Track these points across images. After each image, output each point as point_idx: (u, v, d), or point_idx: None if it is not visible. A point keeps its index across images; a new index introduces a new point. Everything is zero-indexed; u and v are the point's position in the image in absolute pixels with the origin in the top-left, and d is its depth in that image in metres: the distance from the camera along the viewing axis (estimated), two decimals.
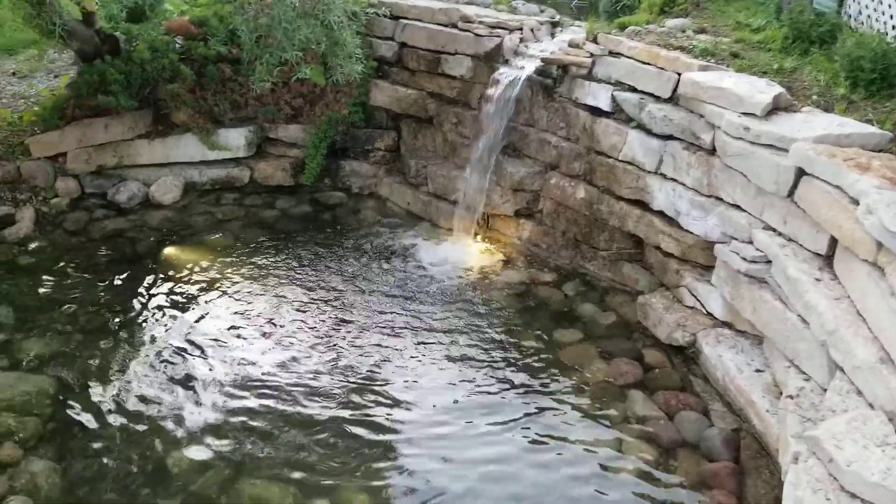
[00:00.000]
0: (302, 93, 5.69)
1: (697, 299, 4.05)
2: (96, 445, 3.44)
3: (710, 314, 3.99)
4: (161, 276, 4.74)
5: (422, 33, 5.44)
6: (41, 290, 4.55)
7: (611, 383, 3.86)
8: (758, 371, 3.57)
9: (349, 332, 4.25)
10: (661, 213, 4.23)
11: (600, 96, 4.46)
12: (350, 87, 5.60)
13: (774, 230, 3.55)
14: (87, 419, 3.60)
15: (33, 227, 5.09)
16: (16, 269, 4.72)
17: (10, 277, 4.64)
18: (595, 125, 4.49)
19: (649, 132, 4.20)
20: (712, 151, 3.88)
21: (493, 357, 4.07)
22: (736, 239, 3.74)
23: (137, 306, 4.44)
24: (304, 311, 4.42)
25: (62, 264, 4.82)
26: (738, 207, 3.77)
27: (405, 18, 5.58)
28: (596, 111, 4.52)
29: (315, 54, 5.02)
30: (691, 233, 4.04)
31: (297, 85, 5.56)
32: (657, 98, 4.17)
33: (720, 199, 3.88)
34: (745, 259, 3.62)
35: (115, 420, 3.59)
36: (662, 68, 4.14)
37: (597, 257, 4.70)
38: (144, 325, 4.29)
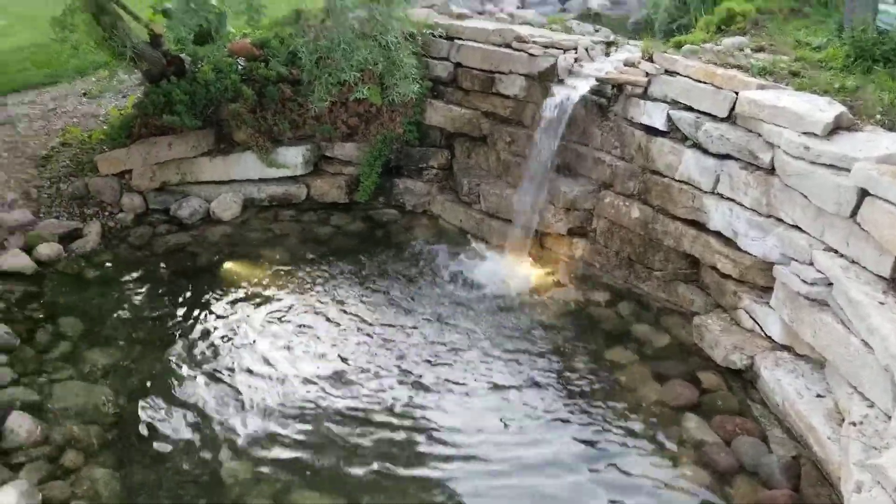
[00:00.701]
0: (358, 112, 5.79)
1: (755, 321, 3.98)
2: (154, 454, 3.53)
3: (768, 337, 3.91)
4: (220, 290, 4.86)
5: (476, 53, 5.49)
6: (106, 303, 4.70)
7: (666, 405, 3.80)
8: (819, 396, 3.48)
9: (400, 349, 4.29)
10: (717, 234, 4.18)
11: (655, 115, 4.44)
12: (405, 106, 5.68)
13: (836, 252, 3.47)
14: (146, 429, 3.70)
15: (100, 241, 5.27)
16: (82, 282, 4.89)
17: (77, 289, 4.80)
18: (650, 144, 4.47)
19: (705, 151, 4.16)
20: (771, 171, 3.82)
21: (545, 377, 4.05)
22: (796, 260, 3.67)
23: (197, 319, 4.55)
24: (356, 328, 4.48)
25: (126, 277, 4.97)
26: (797, 228, 3.70)
27: (460, 39, 5.64)
28: (651, 130, 4.50)
29: (372, 74, 5.12)
30: (749, 254, 3.97)
31: (354, 104, 5.66)
32: (714, 117, 4.13)
33: (779, 220, 3.82)
34: (805, 281, 3.54)
35: (173, 430, 3.69)
36: (719, 87, 4.10)
37: (651, 277, 4.65)
38: (203, 337, 4.39)
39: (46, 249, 5.04)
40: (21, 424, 3.56)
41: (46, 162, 5.80)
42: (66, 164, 5.72)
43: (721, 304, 4.24)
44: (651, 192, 4.52)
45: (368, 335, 4.41)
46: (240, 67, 5.66)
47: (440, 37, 5.66)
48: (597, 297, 4.73)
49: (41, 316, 4.51)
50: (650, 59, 4.58)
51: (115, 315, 4.58)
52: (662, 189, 4.43)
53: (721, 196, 4.12)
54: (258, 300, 4.74)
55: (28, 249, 5.02)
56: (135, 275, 5.01)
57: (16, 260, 4.88)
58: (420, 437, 3.65)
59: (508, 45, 5.29)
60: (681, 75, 4.35)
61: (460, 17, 5.90)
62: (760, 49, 4.45)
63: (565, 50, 5.02)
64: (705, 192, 4.19)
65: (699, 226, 4.28)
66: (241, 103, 5.60)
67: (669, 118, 4.35)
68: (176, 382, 4.01)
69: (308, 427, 3.71)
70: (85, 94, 6.99)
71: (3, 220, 5.14)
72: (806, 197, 3.55)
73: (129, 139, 5.57)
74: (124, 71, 5.47)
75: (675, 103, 4.36)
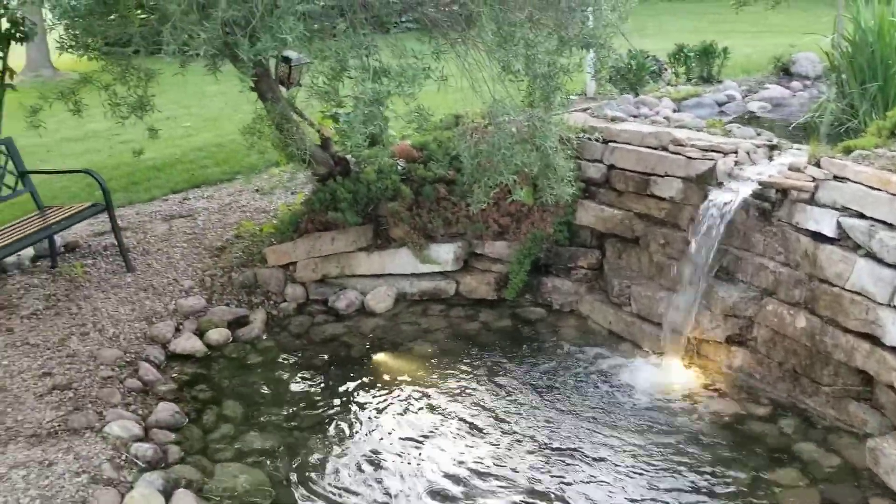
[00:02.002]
0: (510, 212, 5.92)
1: None
2: None
3: None
4: (371, 380, 5.00)
5: (631, 156, 5.52)
6: (266, 388, 4.95)
7: None
8: None
9: (543, 451, 4.22)
10: (894, 350, 3.90)
11: (824, 222, 4.26)
12: (557, 206, 5.76)
13: None
14: None
15: (264, 329, 5.59)
16: (246, 367, 5.18)
17: (241, 374, 5.09)
18: (818, 251, 4.28)
19: (880, 261, 3.93)
20: None
21: (698, 495, 3.84)
22: None
23: (349, 408, 4.70)
24: (499, 427, 4.46)
25: (285, 364, 5.23)
26: None
27: (614, 142, 5.70)
28: (819, 237, 4.31)
29: (526, 176, 5.25)
30: None
31: (507, 205, 5.80)
32: (890, 225, 3.92)
33: None
34: None
35: None
36: (895, 194, 3.90)
37: (818, 392, 4.37)
38: (354, 426, 4.52)
39: (216, 335, 5.41)
40: (185, 502, 3.76)
41: (221, 252, 6.28)
42: (238, 255, 6.17)
43: None
44: (819, 301, 4.30)
45: (508, 435, 4.37)
46: (399, 168, 5.98)
47: (596, 140, 5.76)
48: (757, 411, 4.48)
49: (207, 397, 4.80)
50: (817, 164, 4.44)
51: (274, 400, 4.81)
52: (832, 299, 4.21)
53: None
54: (405, 393, 4.84)
55: (200, 334, 5.41)
56: (293, 362, 5.26)
57: (188, 343, 5.26)
58: None
59: (665, 148, 5.29)
60: (851, 181, 4.18)
61: (614, 120, 5.99)
62: None
63: (725, 153, 4.96)
64: (880, 305, 3.94)
65: (873, 340, 4.01)
66: (400, 202, 5.88)
67: (839, 225, 4.17)
68: (327, 469, 4.13)
69: None
70: (258, 191, 7.57)
71: (181, 305, 5.58)
72: None
73: (296, 233, 5.95)
74: (297, 170, 5.91)
75: (845, 210, 4.18)
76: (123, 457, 4.01)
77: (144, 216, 7.14)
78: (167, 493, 3.79)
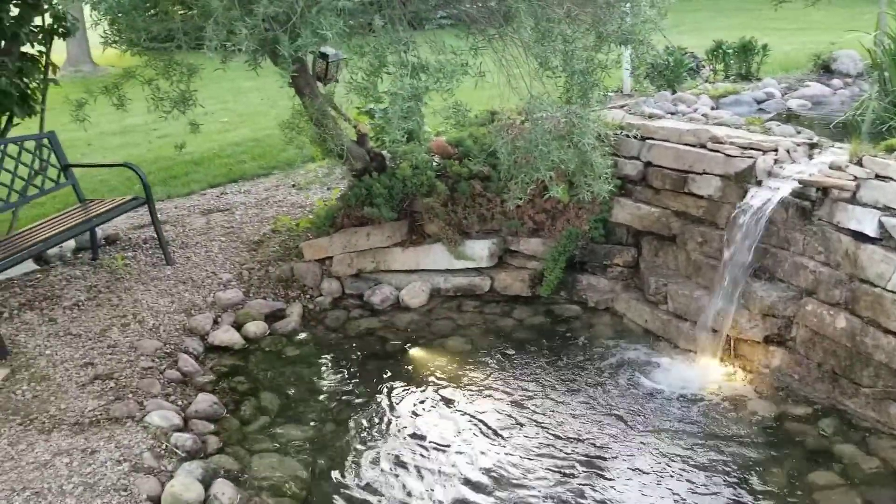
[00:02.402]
0: (545, 208, 5.92)
1: None
2: None
3: None
4: (405, 374, 5.04)
5: (668, 153, 5.48)
6: (302, 380, 5.01)
7: None
8: None
9: (576, 449, 4.22)
10: None
11: (865, 221, 4.20)
12: (593, 203, 5.74)
13: None
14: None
15: (300, 322, 5.65)
16: (283, 360, 5.25)
17: (278, 366, 5.16)
18: (859, 251, 4.22)
19: None
20: None
21: (735, 495, 3.82)
22: None
23: (383, 402, 4.74)
24: (532, 423, 4.46)
25: (321, 358, 5.29)
26: None
27: (652, 139, 5.67)
28: (860, 236, 4.25)
29: (562, 173, 5.24)
30: None
31: (542, 201, 5.80)
32: None
33: None
34: None
35: None
36: None
37: (859, 394, 4.31)
38: (388, 419, 4.55)
39: (253, 327, 5.48)
40: (224, 492, 3.82)
41: (258, 247, 6.36)
42: (275, 249, 6.24)
43: None
44: (859, 301, 4.24)
45: (540, 432, 4.38)
46: (435, 164, 6.00)
47: (633, 137, 5.73)
48: (795, 411, 4.43)
49: (245, 389, 4.87)
50: (859, 163, 4.37)
51: (309, 393, 4.86)
52: (873, 300, 4.15)
53: None
54: (438, 388, 4.87)
55: (238, 326, 5.48)
56: (329, 356, 5.31)
57: (227, 335, 5.34)
58: None
59: (703, 146, 5.25)
60: (894, 180, 4.11)
61: (651, 117, 5.94)
62: None
63: (765, 151, 4.90)
64: None
65: None
66: (435, 198, 5.90)
67: (882, 225, 4.10)
68: (361, 462, 4.17)
69: None
70: (294, 186, 7.65)
71: (220, 298, 5.66)
72: None
73: (333, 228, 6.01)
74: (334, 165, 5.96)
75: (887, 209, 4.11)
76: (164, 446, 4.09)
77: (183, 210, 7.25)
78: (206, 483, 3.85)
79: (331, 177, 7.14)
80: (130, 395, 4.49)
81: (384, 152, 6.05)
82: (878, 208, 4.17)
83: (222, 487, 3.85)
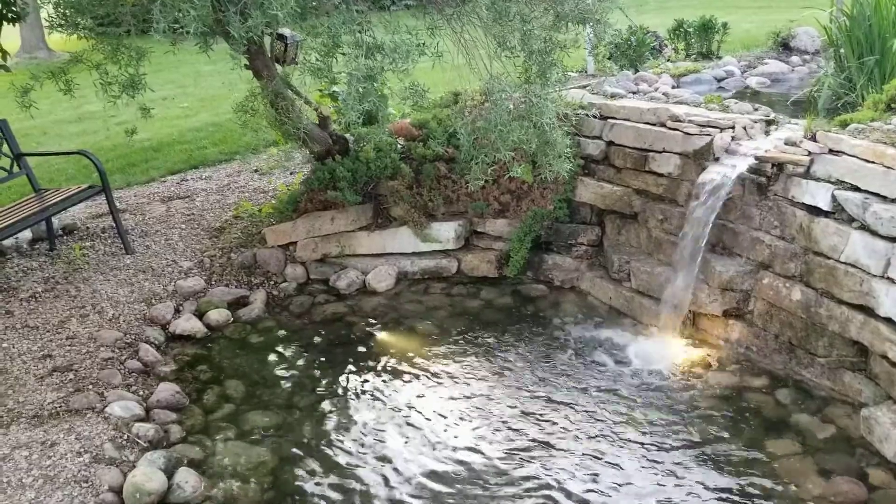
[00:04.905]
0: (510, 189, 5.93)
1: None
2: None
3: None
4: (372, 359, 5.02)
5: (629, 132, 5.51)
6: (267, 367, 4.98)
7: (829, 503, 3.54)
8: None
9: (543, 425, 4.25)
10: (888, 320, 3.91)
11: (819, 195, 4.26)
12: (556, 183, 5.76)
13: None
14: (300, 491, 3.85)
15: (264, 309, 5.61)
16: (247, 347, 5.21)
17: (242, 354, 5.11)
18: (813, 225, 4.29)
19: (874, 233, 3.94)
20: None
21: (696, 465, 3.88)
22: None
23: (349, 387, 4.73)
24: (500, 403, 4.48)
25: (287, 344, 5.25)
26: None
27: (613, 118, 5.69)
28: (814, 210, 4.32)
29: (525, 153, 5.25)
30: None
31: (507, 182, 5.81)
32: (884, 198, 3.92)
33: None
34: None
35: (323, 492, 3.82)
36: (889, 167, 3.90)
37: (814, 364, 4.39)
38: (354, 404, 4.54)
39: (216, 315, 5.42)
40: (188, 480, 3.80)
41: (220, 233, 6.29)
42: (237, 236, 6.18)
43: (892, 396, 3.93)
44: (814, 274, 4.31)
45: (509, 409, 4.41)
46: (399, 147, 5.97)
47: (594, 117, 5.75)
48: (754, 383, 4.51)
49: (208, 378, 4.83)
50: (813, 139, 4.43)
51: (275, 380, 4.83)
52: (826, 271, 4.22)
53: (892, 281, 3.86)
54: (406, 372, 4.86)
55: (200, 315, 5.42)
56: (295, 342, 5.28)
57: (188, 324, 5.28)
58: None
59: (663, 124, 5.28)
60: (847, 155, 4.18)
61: (613, 96, 5.97)
62: None
63: (722, 129, 4.95)
64: (874, 276, 3.95)
65: (867, 311, 4.03)
66: (399, 180, 5.88)
67: (834, 198, 4.17)
68: (328, 447, 4.16)
69: (443, 491, 3.77)
70: (256, 171, 7.57)
71: (180, 287, 5.60)
72: None
73: (296, 213, 5.96)
74: (294, 150, 5.91)
75: (840, 183, 4.18)
76: (125, 437, 4.04)
77: (142, 198, 7.15)
78: (169, 472, 3.83)
79: (293, 161, 7.08)
80: (90, 387, 4.43)
81: (347, 135, 6.01)
82: (832, 182, 4.23)
83: (186, 476, 3.83)
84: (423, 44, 3.95)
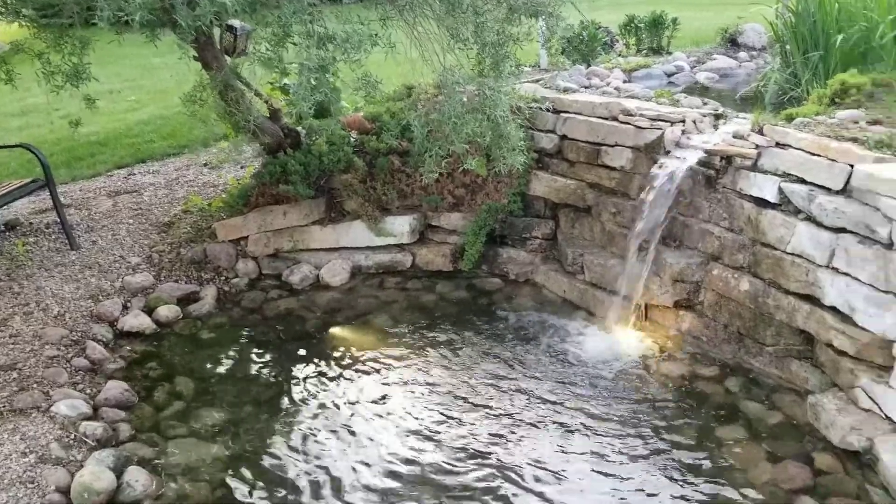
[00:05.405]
0: (465, 183, 5.92)
1: (874, 402, 3.77)
2: None
3: (888, 418, 3.69)
4: (326, 354, 4.98)
5: (582, 126, 5.55)
6: (218, 364, 4.90)
7: (778, 487, 3.62)
8: None
9: (498, 418, 4.27)
10: (833, 309, 4.01)
11: (766, 188, 4.35)
12: (511, 177, 5.78)
13: None
14: (252, 487, 3.80)
15: (215, 305, 5.52)
16: (197, 343, 5.12)
17: (192, 350, 5.03)
18: (760, 217, 4.38)
19: (819, 225, 4.04)
20: (889, 246, 3.67)
21: (648, 453, 3.94)
22: None
23: (303, 382, 4.68)
24: (455, 396, 4.49)
25: (238, 340, 5.17)
26: None
27: (566, 112, 5.73)
28: (761, 202, 4.41)
29: (479, 146, 5.25)
30: (867, 330, 3.79)
31: (461, 175, 5.81)
32: (828, 190, 4.02)
33: None
34: None
35: (278, 489, 3.78)
36: (834, 160, 4.00)
37: (762, 353, 4.49)
38: (308, 399, 4.50)
39: (165, 311, 5.32)
40: (137, 479, 3.73)
41: (168, 228, 6.17)
42: (186, 231, 6.06)
43: (837, 383, 4.04)
44: (761, 264, 4.40)
45: (464, 402, 4.42)
46: (352, 140, 5.92)
47: (547, 110, 5.78)
48: (704, 372, 4.59)
49: (158, 375, 4.73)
50: (760, 132, 4.52)
51: (226, 376, 4.76)
52: (773, 262, 4.31)
53: (836, 270, 3.97)
54: (361, 366, 4.84)
55: (149, 311, 5.31)
56: (246, 338, 5.21)
57: (137, 321, 5.17)
58: None
59: (615, 118, 5.34)
60: (793, 148, 4.27)
61: (566, 91, 6.01)
62: (877, 122, 4.32)
63: (672, 122, 5.02)
64: (819, 266, 4.05)
65: (813, 300, 4.13)
66: (353, 174, 5.83)
67: (781, 191, 4.26)
68: (280, 443, 4.12)
69: (400, 487, 3.75)
70: (206, 165, 7.43)
71: (128, 283, 5.48)
72: None
73: (247, 207, 5.87)
74: (244, 143, 5.81)
75: (786, 176, 4.27)
76: (72, 436, 3.94)
77: (88, 192, 6.97)
78: (118, 471, 3.75)
79: (244, 155, 6.97)
80: (35, 386, 4.30)
81: (299, 128, 5.94)
82: (778, 175, 4.33)
83: (136, 474, 3.75)
84: (376, 34, 3.91)
